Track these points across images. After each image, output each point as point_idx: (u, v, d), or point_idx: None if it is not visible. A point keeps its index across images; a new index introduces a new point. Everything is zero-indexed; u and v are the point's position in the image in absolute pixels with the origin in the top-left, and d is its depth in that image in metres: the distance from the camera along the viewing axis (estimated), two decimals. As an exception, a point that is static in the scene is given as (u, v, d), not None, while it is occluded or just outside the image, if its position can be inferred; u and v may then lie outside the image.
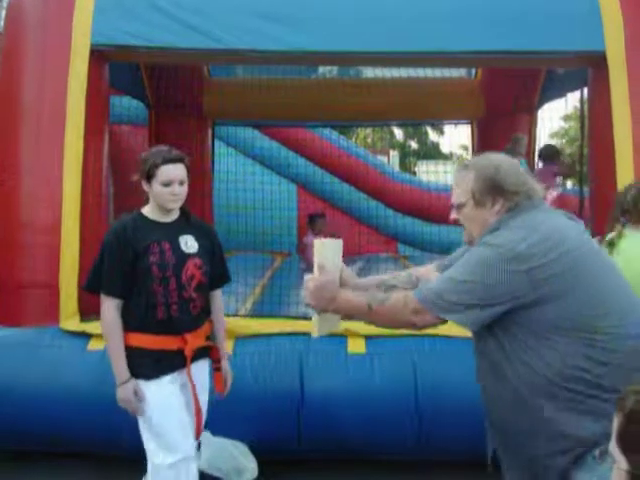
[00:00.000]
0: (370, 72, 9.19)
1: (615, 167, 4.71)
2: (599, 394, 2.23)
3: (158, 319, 3.18)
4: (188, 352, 3.25)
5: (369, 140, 24.59)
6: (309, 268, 8.27)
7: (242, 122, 10.25)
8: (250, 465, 4.09)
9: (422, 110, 8.86)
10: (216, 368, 3.46)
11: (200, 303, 3.31)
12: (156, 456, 3.21)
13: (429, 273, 2.89)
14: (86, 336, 4.54)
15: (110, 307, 3.18)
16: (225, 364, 3.50)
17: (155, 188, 3.21)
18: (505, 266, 2.26)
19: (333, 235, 3.27)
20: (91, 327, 4.55)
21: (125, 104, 8.51)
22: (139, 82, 8.10)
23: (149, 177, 3.21)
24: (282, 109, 8.52)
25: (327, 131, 11.75)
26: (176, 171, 3.20)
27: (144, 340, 3.20)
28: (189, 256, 3.26)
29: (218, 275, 3.47)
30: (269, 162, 11.43)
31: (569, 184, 13.12)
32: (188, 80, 8.14)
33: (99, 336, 4.50)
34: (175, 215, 3.34)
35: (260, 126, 11.05)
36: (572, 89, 7.32)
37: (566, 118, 26.86)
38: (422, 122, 14.89)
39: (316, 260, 2.70)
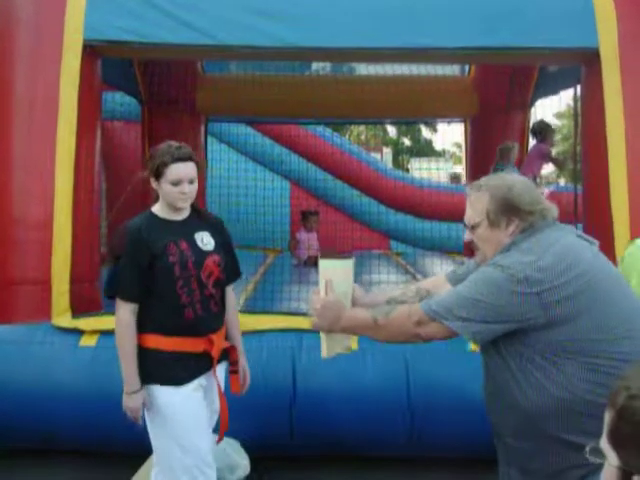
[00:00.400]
0: (363, 69, 9.19)
1: (608, 164, 4.72)
2: None
3: (185, 320, 3.09)
4: (215, 353, 3.17)
5: (362, 137, 24.60)
6: (300, 264, 8.28)
7: (235, 118, 10.24)
8: (243, 462, 4.08)
9: (415, 108, 8.86)
10: (232, 370, 3.37)
11: (219, 300, 3.25)
12: (176, 459, 3.09)
13: (438, 285, 2.87)
14: (78, 332, 4.52)
15: (127, 312, 3.07)
16: (243, 361, 3.42)
17: (164, 187, 3.10)
18: (514, 288, 2.23)
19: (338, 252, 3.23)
20: (83, 323, 4.54)
21: (118, 100, 8.50)
22: (132, 78, 8.08)
23: (158, 176, 3.10)
24: (275, 106, 8.51)
25: (320, 128, 11.76)
26: (186, 170, 3.10)
27: (170, 343, 3.09)
28: (207, 253, 3.18)
29: (230, 270, 3.37)
30: (262, 159, 11.43)
31: (562, 182, 13.15)
32: (181, 76, 8.12)
33: (91, 332, 4.50)
34: (187, 212, 3.25)
35: (253, 122, 11.04)
36: (566, 87, 7.33)
37: (559, 116, 26.91)
38: (415, 120, 14.87)
39: (321, 280, 2.69)
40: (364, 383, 4.32)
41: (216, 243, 3.25)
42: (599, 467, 2.22)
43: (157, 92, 8.09)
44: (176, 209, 3.19)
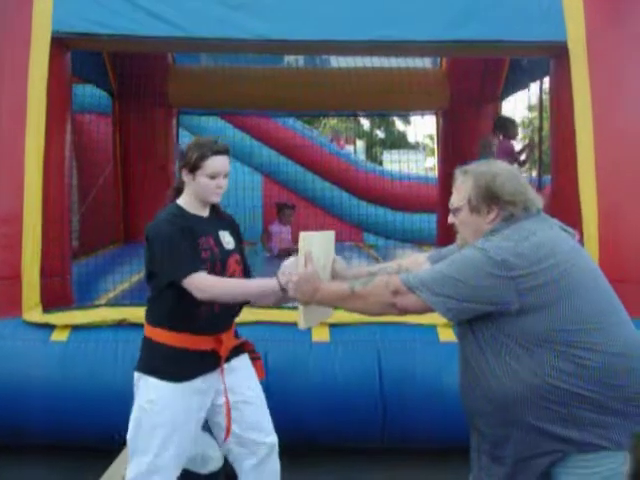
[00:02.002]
0: (335, 62, 9.19)
1: (576, 157, 4.77)
2: (579, 404, 2.27)
3: (200, 317, 3.06)
4: (223, 352, 3.15)
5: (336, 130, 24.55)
6: (272, 256, 8.29)
7: (207, 111, 10.21)
8: (215, 454, 4.08)
9: (387, 100, 8.86)
10: (252, 358, 3.35)
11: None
12: (150, 454, 3.05)
13: (418, 263, 2.94)
14: (49, 327, 4.50)
15: (203, 279, 2.96)
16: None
17: (200, 180, 3.06)
18: (491, 270, 2.29)
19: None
20: (54, 318, 4.52)
21: (88, 92, 8.43)
22: (102, 71, 8.02)
23: (194, 168, 3.06)
24: (248, 98, 8.50)
25: (291, 120, 11.77)
26: (223, 163, 3.09)
27: (179, 339, 3.06)
28: (230, 252, 3.18)
29: (245, 267, 3.36)
30: (234, 151, 11.36)
31: (534, 174, 13.23)
32: (152, 68, 8.07)
33: (62, 327, 4.48)
34: (208, 209, 3.22)
35: (225, 115, 11.02)
36: (535, 79, 7.39)
37: (531, 108, 27.05)
38: (388, 113, 14.92)
39: (300, 252, 2.73)
40: (336, 375, 4.34)
41: (235, 242, 3.25)
42: (566, 455, 2.29)
43: (128, 84, 8.03)
44: (205, 204, 3.17)
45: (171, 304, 3.06)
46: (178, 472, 3.18)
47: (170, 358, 3.06)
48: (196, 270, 2.98)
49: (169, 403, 3.05)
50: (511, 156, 7.85)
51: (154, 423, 3.05)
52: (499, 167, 2.54)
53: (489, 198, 2.45)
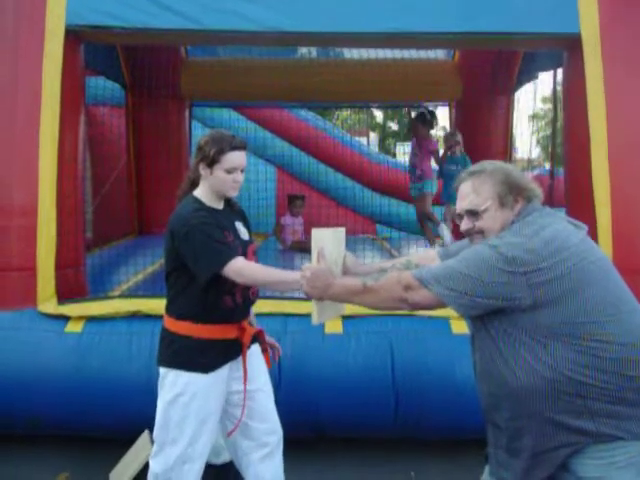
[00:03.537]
0: (349, 53, 9.18)
1: (589, 148, 4.75)
2: (594, 396, 2.28)
3: (224, 308, 3.11)
4: (247, 340, 3.21)
5: (349, 122, 24.52)
6: (285, 249, 8.29)
7: (220, 102, 10.22)
8: (228, 445, 4.11)
9: (400, 91, 8.85)
10: (263, 349, 3.41)
11: (256, 288, 3.29)
12: (181, 446, 3.11)
13: (428, 260, 2.95)
14: (64, 319, 4.53)
15: (240, 265, 2.98)
16: (268, 338, 3.46)
17: (218, 174, 3.11)
18: (502, 266, 2.29)
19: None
20: (69, 309, 4.55)
21: (101, 85, 8.46)
22: (115, 63, 8.04)
23: (212, 163, 3.10)
24: (261, 90, 8.49)
25: (303, 112, 11.76)
26: (241, 158, 3.14)
27: (203, 330, 3.11)
28: (248, 243, 3.24)
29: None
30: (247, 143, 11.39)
31: (547, 165, 13.18)
32: (165, 61, 8.09)
33: (77, 319, 4.51)
34: (223, 202, 3.26)
35: (238, 106, 11.02)
36: (547, 69, 7.36)
37: (544, 100, 26.92)
38: (400, 104, 14.86)
39: (313, 249, 2.76)
40: (349, 366, 4.36)
41: (249, 232, 3.32)
42: (584, 447, 2.29)
43: (140, 77, 8.05)
44: (221, 197, 3.21)
45: (198, 296, 3.09)
46: (205, 459, 3.23)
47: (198, 349, 3.11)
48: (234, 256, 3.01)
49: (199, 394, 3.09)
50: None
51: (185, 414, 3.10)
52: (497, 164, 2.59)
53: (514, 190, 2.49)
